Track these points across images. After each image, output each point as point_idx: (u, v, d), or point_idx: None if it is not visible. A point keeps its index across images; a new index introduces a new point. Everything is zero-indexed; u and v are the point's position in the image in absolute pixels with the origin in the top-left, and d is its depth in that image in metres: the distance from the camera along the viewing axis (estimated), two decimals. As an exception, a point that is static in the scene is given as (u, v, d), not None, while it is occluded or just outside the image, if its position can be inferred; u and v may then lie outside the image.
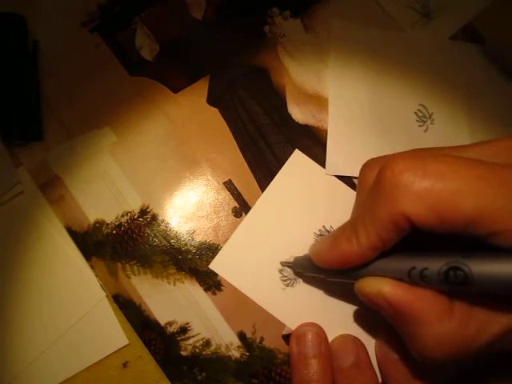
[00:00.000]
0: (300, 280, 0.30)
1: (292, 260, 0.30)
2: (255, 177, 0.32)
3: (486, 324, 0.21)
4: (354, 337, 0.29)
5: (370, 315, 0.29)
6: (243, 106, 0.34)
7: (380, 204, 0.21)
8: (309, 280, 0.30)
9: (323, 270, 0.26)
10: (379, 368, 0.28)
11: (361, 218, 0.23)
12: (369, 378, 0.27)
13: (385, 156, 0.25)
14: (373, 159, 0.25)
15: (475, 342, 0.21)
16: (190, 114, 0.33)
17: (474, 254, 0.20)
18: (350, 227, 0.23)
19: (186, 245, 0.31)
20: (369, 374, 0.27)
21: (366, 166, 0.25)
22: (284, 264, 0.30)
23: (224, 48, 0.35)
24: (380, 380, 0.28)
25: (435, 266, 0.21)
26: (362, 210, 0.23)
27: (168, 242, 0.31)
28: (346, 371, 0.27)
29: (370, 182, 0.23)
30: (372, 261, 0.23)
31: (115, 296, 0.31)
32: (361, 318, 0.30)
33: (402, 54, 0.35)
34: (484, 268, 0.19)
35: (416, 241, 0.22)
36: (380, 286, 0.22)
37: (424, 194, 0.20)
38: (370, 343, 0.29)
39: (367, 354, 0.28)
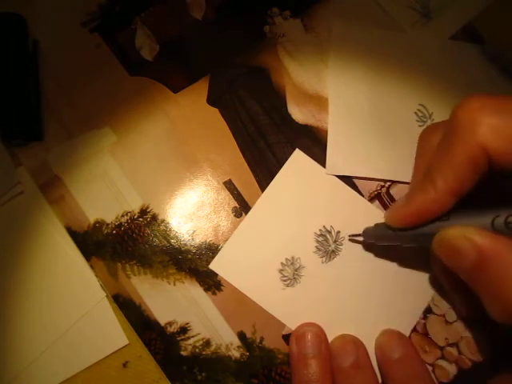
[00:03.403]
0: (300, 280, 0.30)
1: (361, 232, 0.29)
2: (255, 177, 0.32)
3: None
4: (354, 337, 0.29)
5: (370, 315, 0.30)
6: (243, 106, 0.34)
7: (456, 141, 0.21)
8: (313, 277, 0.30)
9: (397, 236, 0.25)
10: (379, 368, 0.28)
11: (436, 163, 0.22)
12: (369, 378, 0.27)
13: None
14: (434, 124, 0.25)
15: None
16: (190, 114, 0.33)
17: None
18: (423, 178, 0.23)
19: (185, 245, 0.31)
20: (369, 373, 0.27)
21: (428, 130, 0.25)
22: (352, 236, 0.29)
23: (224, 48, 0.35)
24: (380, 380, 0.28)
25: None
26: (435, 156, 0.22)
27: (168, 241, 0.31)
28: (345, 371, 0.27)
29: (433, 144, 0.23)
30: (450, 214, 0.22)
31: (115, 296, 0.31)
32: (361, 318, 0.30)
33: (402, 54, 0.35)
34: None
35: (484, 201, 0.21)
36: (467, 232, 0.21)
37: (502, 127, 0.19)
38: (370, 343, 0.29)
39: (367, 354, 0.28)
